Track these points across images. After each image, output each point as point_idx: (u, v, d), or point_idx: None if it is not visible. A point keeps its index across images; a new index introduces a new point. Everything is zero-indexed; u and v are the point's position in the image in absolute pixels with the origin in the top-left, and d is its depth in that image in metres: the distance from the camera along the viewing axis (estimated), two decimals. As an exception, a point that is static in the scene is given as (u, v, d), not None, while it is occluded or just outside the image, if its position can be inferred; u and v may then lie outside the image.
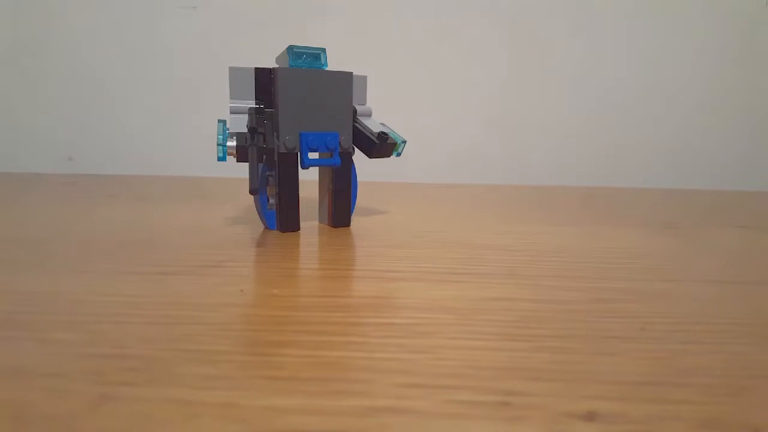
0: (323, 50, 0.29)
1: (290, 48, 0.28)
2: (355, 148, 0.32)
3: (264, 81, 0.29)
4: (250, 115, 0.28)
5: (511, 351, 0.15)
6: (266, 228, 0.31)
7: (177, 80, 0.60)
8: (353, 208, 0.33)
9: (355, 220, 0.34)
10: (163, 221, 0.33)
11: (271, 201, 0.30)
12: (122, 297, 0.19)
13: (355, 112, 0.31)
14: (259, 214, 0.31)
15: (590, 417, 0.12)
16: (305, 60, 0.29)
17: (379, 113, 0.33)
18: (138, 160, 0.61)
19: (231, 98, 0.28)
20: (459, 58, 0.60)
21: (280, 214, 0.29)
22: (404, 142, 0.32)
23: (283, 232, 0.30)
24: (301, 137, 0.28)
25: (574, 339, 0.16)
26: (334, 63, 0.31)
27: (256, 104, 0.29)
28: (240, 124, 0.28)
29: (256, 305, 0.18)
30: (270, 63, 0.31)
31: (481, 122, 0.61)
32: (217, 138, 0.26)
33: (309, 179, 0.33)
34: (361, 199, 0.41)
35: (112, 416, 0.11)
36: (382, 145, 0.31)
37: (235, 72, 0.28)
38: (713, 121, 0.61)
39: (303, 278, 0.22)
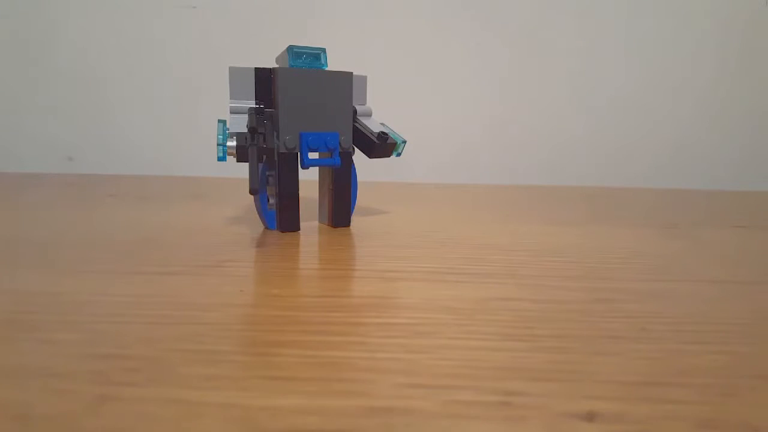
0: (323, 50, 0.29)
1: (290, 48, 0.28)
2: (355, 148, 0.32)
3: (264, 81, 0.29)
4: (250, 115, 0.28)
5: (511, 351, 0.15)
6: (266, 228, 0.31)
7: (177, 80, 0.60)
8: (353, 208, 0.33)
9: (355, 220, 0.34)
10: (163, 221, 0.33)
11: (271, 201, 0.30)
12: (122, 297, 0.19)
13: (355, 112, 0.31)
14: (259, 214, 0.31)
15: (590, 417, 0.12)
16: (305, 60, 0.29)
17: (379, 113, 0.33)
18: (138, 160, 0.61)
19: (231, 98, 0.28)
20: (459, 58, 0.60)
21: (280, 214, 0.29)
22: (404, 142, 0.32)
23: (283, 232, 0.30)
24: (301, 137, 0.28)
25: (575, 339, 0.16)
26: (334, 63, 0.31)
27: (256, 104, 0.29)
28: (240, 124, 0.28)
29: (256, 305, 0.18)
30: (270, 63, 0.31)
31: (481, 122, 0.61)
32: (217, 138, 0.26)
33: (309, 179, 0.33)
34: (361, 199, 0.41)
35: (112, 416, 0.11)
36: (382, 145, 0.31)
37: (235, 72, 0.28)
38: (713, 121, 0.61)
39: (303, 278, 0.22)
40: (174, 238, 0.28)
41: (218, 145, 0.26)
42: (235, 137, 0.27)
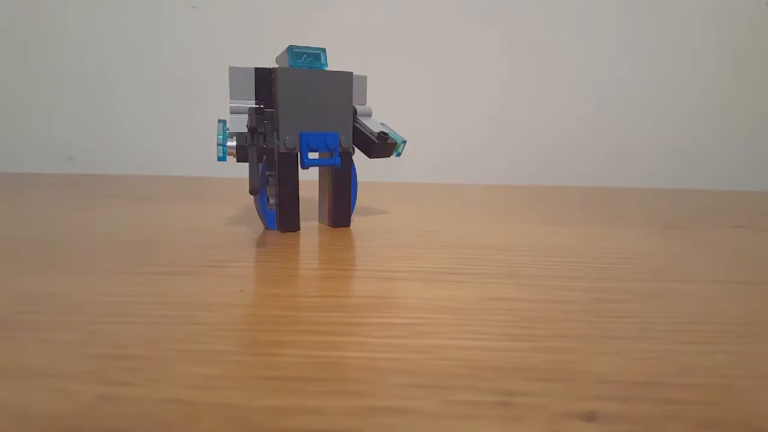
0: (323, 50, 0.29)
1: (290, 48, 0.28)
2: (355, 148, 0.32)
3: (264, 81, 0.29)
4: (250, 115, 0.28)
5: (511, 351, 0.15)
6: (266, 228, 0.31)
7: (177, 80, 0.60)
8: (353, 208, 0.33)
9: (355, 220, 0.34)
10: (163, 221, 0.33)
11: (271, 201, 0.30)
12: (122, 297, 0.19)
13: (355, 112, 0.31)
14: (259, 214, 0.31)
15: (590, 417, 0.12)
16: (305, 60, 0.29)
17: (379, 113, 0.33)
18: (138, 160, 0.61)
19: (231, 98, 0.28)
20: (459, 58, 0.60)
21: (280, 214, 0.29)
22: (404, 142, 0.32)
23: (283, 232, 0.30)
24: (301, 137, 0.28)
25: (574, 339, 0.16)
26: (334, 63, 0.31)
27: (256, 104, 0.29)
28: (240, 124, 0.28)
29: (256, 305, 0.18)
30: (270, 63, 0.31)
31: (482, 122, 0.61)
32: (217, 138, 0.26)
33: (309, 179, 0.33)
34: (361, 199, 0.41)
35: (112, 416, 0.11)
36: (382, 145, 0.31)
37: (235, 72, 0.28)
38: (713, 121, 0.61)
39: (303, 278, 0.22)
40: (174, 238, 0.28)
41: (218, 145, 0.26)
42: (235, 137, 0.27)
